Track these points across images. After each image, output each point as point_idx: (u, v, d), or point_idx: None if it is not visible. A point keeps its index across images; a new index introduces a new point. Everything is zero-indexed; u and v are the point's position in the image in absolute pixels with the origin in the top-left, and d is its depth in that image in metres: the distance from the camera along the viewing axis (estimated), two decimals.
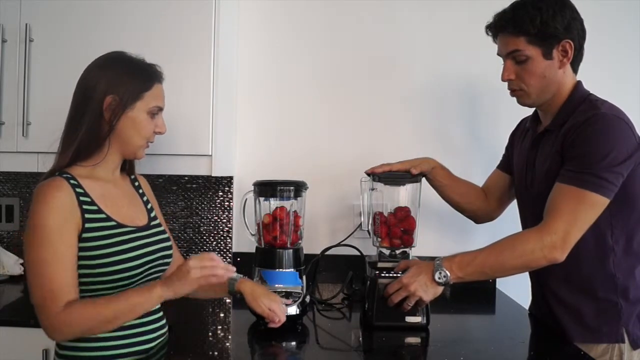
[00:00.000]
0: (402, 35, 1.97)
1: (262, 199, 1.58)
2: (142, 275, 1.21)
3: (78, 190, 1.15)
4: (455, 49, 1.96)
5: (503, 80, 1.42)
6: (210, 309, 1.63)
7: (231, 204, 1.96)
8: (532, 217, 1.42)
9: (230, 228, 1.97)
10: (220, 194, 1.96)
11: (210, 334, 1.41)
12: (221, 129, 1.67)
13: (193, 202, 1.97)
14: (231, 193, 1.96)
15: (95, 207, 1.17)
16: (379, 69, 1.97)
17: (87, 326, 1.11)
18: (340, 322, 1.58)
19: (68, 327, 1.09)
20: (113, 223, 1.18)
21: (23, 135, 1.64)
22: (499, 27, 1.40)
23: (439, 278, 1.34)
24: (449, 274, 1.34)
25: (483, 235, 1.95)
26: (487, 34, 1.44)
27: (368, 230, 1.64)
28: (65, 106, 1.20)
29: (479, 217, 1.72)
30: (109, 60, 1.23)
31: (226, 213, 1.96)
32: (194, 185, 1.96)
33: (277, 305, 1.34)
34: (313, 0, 1.96)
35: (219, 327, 1.48)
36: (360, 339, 1.45)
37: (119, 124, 1.19)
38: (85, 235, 1.13)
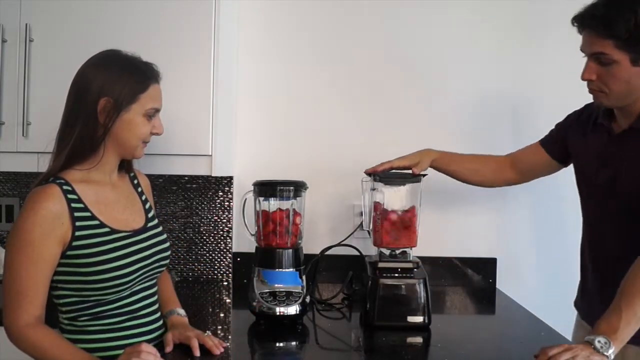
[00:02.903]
0: (402, 35, 1.96)
1: (262, 199, 1.58)
2: (136, 281, 1.21)
3: (71, 196, 1.14)
4: (458, 46, 1.95)
5: (583, 79, 1.31)
6: (210, 309, 1.63)
7: (231, 204, 1.96)
8: (605, 215, 1.38)
9: (230, 228, 1.97)
10: (220, 194, 1.96)
11: (210, 333, 1.40)
12: (221, 129, 1.67)
13: (193, 202, 1.96)
14: (231, 193, 1.96)
15: (88, 214, 1.16)
16: (379, 69, 1.96)
17: (38, 355, 1.11)
18: (340, 322, 1.58)
19: (25, 344, 1.10)
20: (107, 229, 1.17)
21: (23, 135, 1.64)
22: (587, 24, 1.28)
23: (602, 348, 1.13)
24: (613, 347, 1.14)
25: (484, 236, 1.96)
26: (573, 24, 1.31)
27: (368, 230, 1.64)
28: None
29: (496, 185, 1.72)
30: (104, 60, 1.20)
31: (226, 213, 1.96)
32: (193, 185, 1.96)
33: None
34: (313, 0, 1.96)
35: (219, 327, 1.47)
36: (361, 339, 1.45)
37: (114, 127, 1.17)
38: (76, 243, 1.13)
